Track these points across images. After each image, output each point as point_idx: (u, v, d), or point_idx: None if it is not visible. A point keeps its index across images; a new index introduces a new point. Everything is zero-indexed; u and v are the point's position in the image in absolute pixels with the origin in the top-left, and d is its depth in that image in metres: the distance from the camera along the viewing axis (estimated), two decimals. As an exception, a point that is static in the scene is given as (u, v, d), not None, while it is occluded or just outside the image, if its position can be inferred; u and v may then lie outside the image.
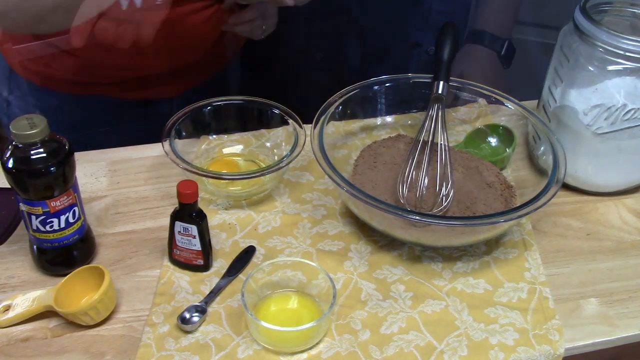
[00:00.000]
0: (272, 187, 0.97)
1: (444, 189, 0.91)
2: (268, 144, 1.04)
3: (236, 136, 1.05)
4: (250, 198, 0.96)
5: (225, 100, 1.02)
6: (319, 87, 1.03)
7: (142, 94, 1.13)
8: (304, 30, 1.15)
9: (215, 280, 0.84)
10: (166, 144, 0.93)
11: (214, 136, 1.04)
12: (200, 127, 1.02)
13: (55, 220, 0.79)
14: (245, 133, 1.05)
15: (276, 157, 1.00)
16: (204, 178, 0.92)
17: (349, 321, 0.80)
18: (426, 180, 0.91)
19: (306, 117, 0.97)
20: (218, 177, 0.91)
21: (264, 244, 0.89)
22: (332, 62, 1.17)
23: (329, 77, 1.18)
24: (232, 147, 1.04)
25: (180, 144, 0.97)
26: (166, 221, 0.83)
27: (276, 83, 1.24)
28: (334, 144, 0.99)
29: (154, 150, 1.05)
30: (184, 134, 0.99)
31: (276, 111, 1.01)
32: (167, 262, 0.86)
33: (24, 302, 0.79)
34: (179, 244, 0.83)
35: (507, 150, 1.01)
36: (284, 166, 0.92)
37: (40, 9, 0.87)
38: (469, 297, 0.83)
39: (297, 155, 0.93)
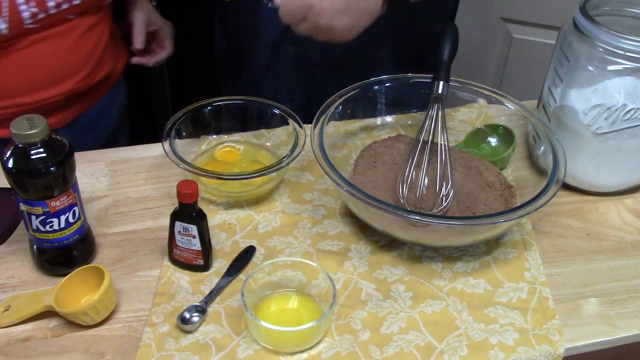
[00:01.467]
0: (273, 187, 0.97)
1: (444, 189, 0.91)
2: (268, 144, 1.04)
3: (236, 136, 1.05)
4: (250, 198, 0.96)
5: (225, 100, 1.02)
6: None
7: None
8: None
9: (215, 280, 0.84)
10: (166, 144, 0.93)
11: (214, 136, 1.04)
12: (200, 127, 1.02)
13: (55, 220, 0.79)
14: (245, 133, 1.05)
15: (276, 157, 1.00)
16: (203, 178, 0.92)
17: (349, 321, 0.80)
18: (426, 180, 0.91)
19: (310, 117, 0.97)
20: (218, 177, 0.91)
21: (264, 244, 0.89)
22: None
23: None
24: (232, 147, 1.04)
25: (180, 144, 0.97)
26: (166, 221, 0.83)
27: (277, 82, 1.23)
28: (334, 144, 0.99)
29: (153, 150, 1.05)
30: (184, 134, 0.99)
31: (276, 111, 1.01)
32: (167, 262, 0.86)
33: (24, 302, 0.79)
34: (179, 244, 0.83)
35: (507, 150, 1.01)
36: (284, 166, 0.92)
37: None
38: (469, 297, 0.83)
39: (297, 155, 0.93)
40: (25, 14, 0.96)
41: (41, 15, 0.98)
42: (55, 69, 1.06)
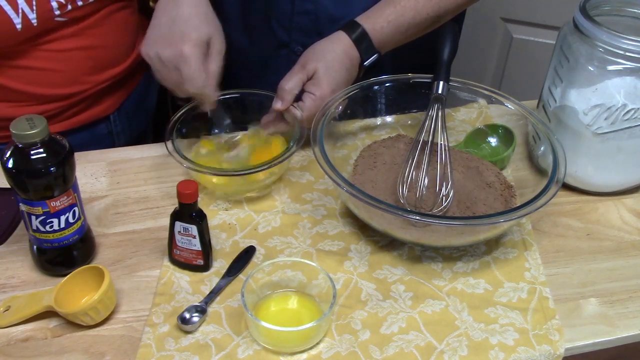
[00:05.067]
0: (274, 181, 0.97)
1: (444, 189, 0.91)
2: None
3: (239, 133, 1.04)
4: (250, 194, 0.96)
5: (225, 95, 1.01)
6: None
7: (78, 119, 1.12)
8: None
9: (215, 280, 0.84)
10: (169, 143, 0.93)
11: (216, 130, 1.04)
12: (202, 123, 1.01)
13: (55, 220, 0.79)
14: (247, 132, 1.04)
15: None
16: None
17: (349, 321, 0.80)
18: (426, 180, 0.91)
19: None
20: (222, 174, 0.91)
21: (264, 244, 0.89)
22: None
23: None
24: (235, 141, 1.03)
25: (183, 142, 0.97)
26: (166, 221, 0.83)
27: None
28: (334, 144, 0.99)
29: (153, 150, 1.05)
30: (183, 131, 0.98)
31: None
32: (167, 262, 0.86)
33: (24, 302, 0.79)
34: (179, 244, 0.83)
35: (507, 150, 1.01)
36: (290, 155, 0.91)
37: None
38: (469, 297, 0.83)
39: (302, 143, 0.93)
40: (54, 4, 0.97)
41: (69, 7, 0.99)
42: (99, 60, 1.08)
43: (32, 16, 0.95)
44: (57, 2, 0.97)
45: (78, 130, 1.12)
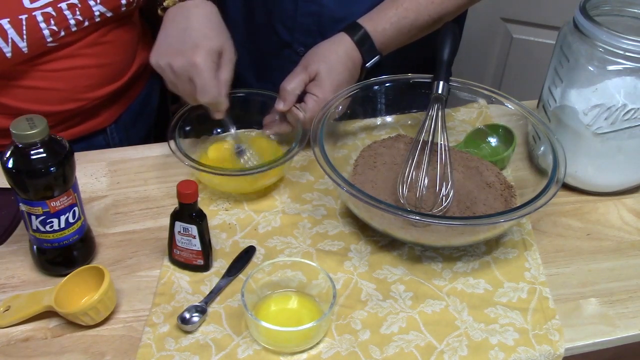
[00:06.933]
0: (281, 176, 0.97)
1: (444, 189, 0.91)
2: (273, 137, 1.03)
3: (240, 132, 1.04)
4: (251, 193, 0.96)
5: (229, 94, 1.01)
6: None
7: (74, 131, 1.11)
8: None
9: (215, 280, 0.84)
10: (172, 142, 0.93)
11: (218, 130, 1.04)
12: (203, 123, 1.01)
13: (55, 220, 0.79)
14: (249, 130, 1.04)
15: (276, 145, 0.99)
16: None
17: (349, 321, 0.80)
18: (426, 180, 0.91)
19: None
20: (223, 174, 0.91)
21: (264, 244, 0.89)
22: None
23: None
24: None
25: (185, 142, 0.97)
26: (166, 221, 0.83)
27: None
28: (334, 144, 0.99)
29: (154, 150, 1.05)
30: (187, 129, 0.98)
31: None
32: (167, 262, 0.86)
33: (24, 302, 0.79)
34: (179, 244, 0.83)
35: (507, 150, 1.01)
36: (291, 157, 0.92)
37: None
38: (469, 297, 0.83)
39: (304, 143, 0.93)
40: (45, 32, 0.95)
41: (62, 34, 0.97)
42: (97, 78, 1.07)
43: (22, 44, 0.94)
44: (49, 29, 0.95)
45: (74, 142, 1.10)
